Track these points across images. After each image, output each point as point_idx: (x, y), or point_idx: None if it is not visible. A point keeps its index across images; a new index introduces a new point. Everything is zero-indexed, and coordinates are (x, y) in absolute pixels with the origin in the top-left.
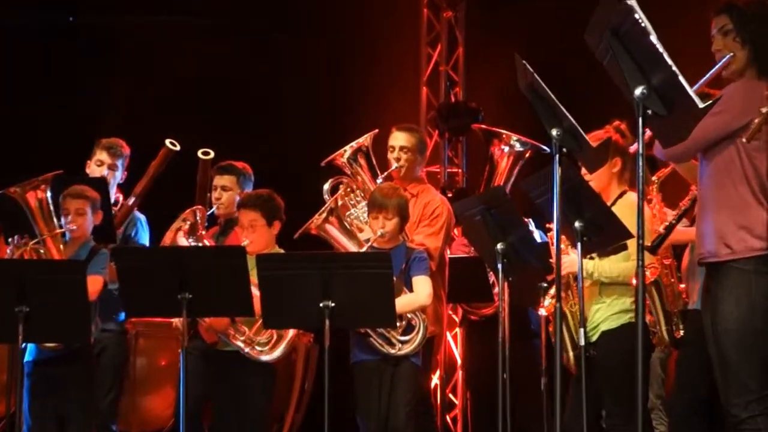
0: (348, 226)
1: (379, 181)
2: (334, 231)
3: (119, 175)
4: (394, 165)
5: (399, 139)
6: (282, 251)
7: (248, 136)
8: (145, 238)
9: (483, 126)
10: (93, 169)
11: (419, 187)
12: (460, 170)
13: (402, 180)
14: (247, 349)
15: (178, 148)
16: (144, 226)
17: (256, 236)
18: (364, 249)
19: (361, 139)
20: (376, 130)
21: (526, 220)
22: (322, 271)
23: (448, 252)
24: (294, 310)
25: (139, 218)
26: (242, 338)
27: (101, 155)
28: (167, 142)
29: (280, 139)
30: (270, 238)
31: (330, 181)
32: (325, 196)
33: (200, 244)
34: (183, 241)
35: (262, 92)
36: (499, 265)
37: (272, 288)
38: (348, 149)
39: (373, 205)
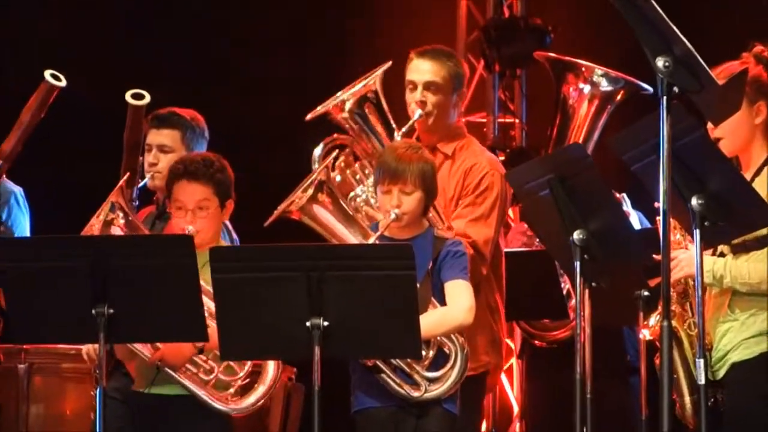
0: (346, 208)
1: (397, 138)
2: (325, 215)
3: None
4: (417, 113)
5: (422, 69)
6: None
7: (210, 79)
8: (23, 223)
9: (551, 54)
10: None
11: (456, 143)
12: (516, 120)
13: (429, 133)
14: (203, 395)
15: (63, 83)
16: (21, 205)
17: (206, 222)
18: (371, 240)
19: (368, 80)
20: (389, 63)
21: (618, 196)
22: (310, 272)
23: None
24: (267, 333)
25: (12, 192)
26: (205, 377)
27: None
28: (47, 74)
29: (255, 80)
30: (220, 227)
31: (322, 144)
32: (315, 167)
33: (122, 222)
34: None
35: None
36: (577, 265)
37: (234, 298)
38: (347, 97)
39: (384, 172)
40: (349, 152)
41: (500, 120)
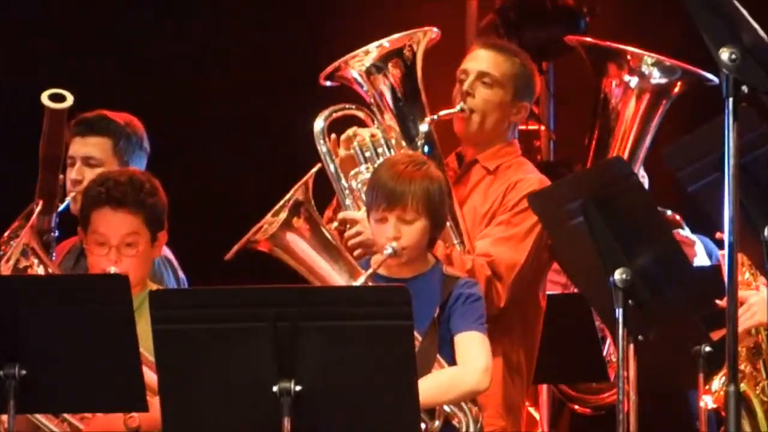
0: (329, 237)
1: (423, 129)
2: (302, 246)
3: None
4: (458, 106)
5: (479, 57)
6: (166, 287)
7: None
8: None
9: (587, 39)
10: None
11: (504, 158)
12: (541, 127)
13: (470, 140)
14: None
15: (67, 102)
16: None
17: (134, 262)
18: (360, 280)
19: (409, 34)
20: (435, 30)
21: (673, 217)
22: (279, 322)
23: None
24: (223, 400)
25: None
26: None
27: None
28: (44, 98)
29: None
30: (150, 267)
31: (324, 114)
32: (320, 146)
33: (42, 272)
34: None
35: None
36: (620, 312)
37: (180, 356)
38: (374, 49)
39: (377, 195)
40: (354, 138)
41: (520, 127)
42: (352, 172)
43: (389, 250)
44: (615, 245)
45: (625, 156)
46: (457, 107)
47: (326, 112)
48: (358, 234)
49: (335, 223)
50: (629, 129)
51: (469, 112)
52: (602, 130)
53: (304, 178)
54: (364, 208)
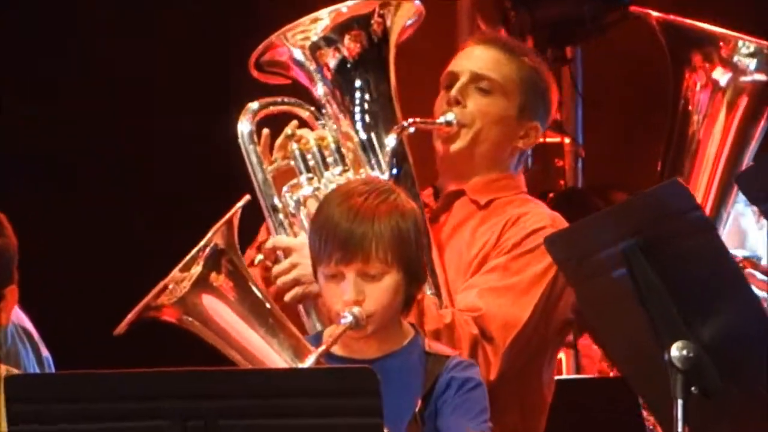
0: (262, 297)
1: (390, 142)
2: (224, 313)
3: None
4: (443, 117)
5: (474, 56)
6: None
7: None
8: None
9: (654, 13)
10: None
11: (502, 192)
12: (563, 139)
13: (457, 165)
14: None
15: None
16: None
17: None
18: (308, 361)
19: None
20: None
21: (750, 264)
22: (189, 420)
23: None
24: None
25: None
26: None
27: None
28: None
29: None
30: None
31: (253, 107)
32: (246, 153)
33: None
34: None
35: None
36: (679, 404)
37: None
38: (324, 15)
39: (328, 239)
40: (293, 135)
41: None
42: (288, 185)
43: (348, 319)
44: (672, 308)
45: (713, 185)
46: (441, 119)
47: (253, 106)
48: (293, 267)
49: (260, 256)
50: (722, 146)
51: (457, 127)
52: (678, 147)
53: (227, 216)
54: (302, 234)
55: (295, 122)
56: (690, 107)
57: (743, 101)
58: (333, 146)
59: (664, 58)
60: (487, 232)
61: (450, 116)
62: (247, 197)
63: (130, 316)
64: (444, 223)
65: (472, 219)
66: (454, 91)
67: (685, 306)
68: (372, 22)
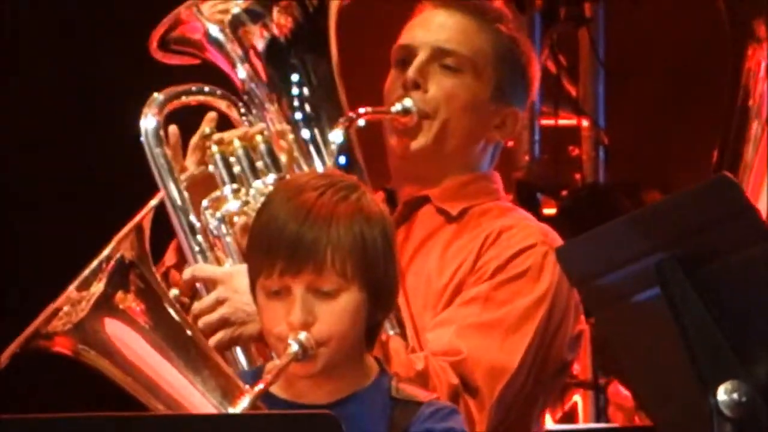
0: (179, 321)
1: (334, 139)
2: (134, 342)
3: None
4: (397, 105)
5: (434, 24)
6: None
7: None
8: None
9: None
10: None
11: (476, 198)
12: (580, 120)
13: (417, 164)
14: None
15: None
16: None
17: None
18: (241, 404)
19: None
20: None
21: None
22: None
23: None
24: None
25: None
26: None
27: None
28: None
29: None
30: None
31: (157, 99)
32: (152, 156)
33: None
34: None
35: None
36: None
37: None
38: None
39: (270, 245)
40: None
41: (545, 121)
42: (208, 199)
43: (293, 348)
44: (719, 339)
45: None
46: (397, 106)
47: (160, 98)
48: (218, 304)
49: (174, 291)
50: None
51: (417, 117)
52: (737, 139)
53: (135, 220)
54: (229, 261)
55: (212, 115)
56: (749, 94)
57: None
58: (263, 147)
59: (714, 17)
60: (461, 251)
61: (408, 103)
62: (159, 197)
63: (12, 347)
64: (405, 239)
65: (440, 234)
66: (411, 71)
67: (735, 336)
68: None
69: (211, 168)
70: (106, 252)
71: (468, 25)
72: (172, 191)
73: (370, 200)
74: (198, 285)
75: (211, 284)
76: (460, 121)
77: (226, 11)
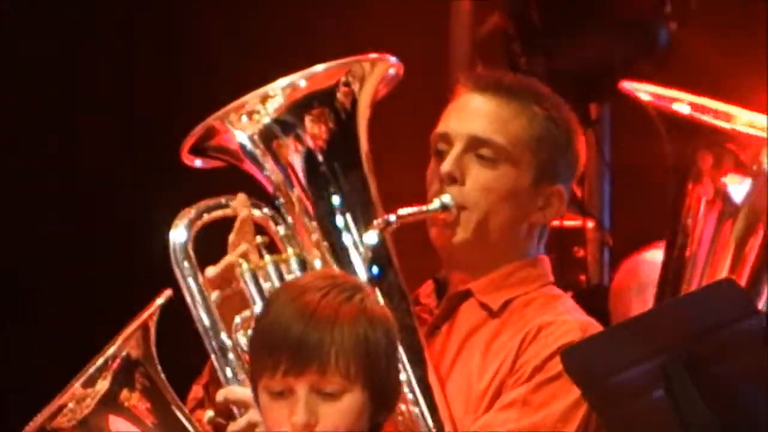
0: (183, 420)
1: (369, 241)
2: None
3: None
4: (436, 202)
5: (472, 114)
6: None
7: None
8: None
9: (643, 91)
10: None
11: (520, 288)
12: (585, 222)
13: (459, 257)
14: None
15: None
16: None
17: None
18: None
19: (336, 66)
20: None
21: None
22: None
23: None
24: None
25: None
26: None
27: None
28: None
29: None
30: None
31: (188, 216)
32: (182, 274)
33: None
34: None
35: None
36: None
37: None
38: (272, 96)
39: (273, 346)
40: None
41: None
42: (239, 319)
43: None
44: None
45: None
46: (435, 203)
47: (191, 213)
48: (251, 427)
49: (210, 413)
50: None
51: (456, 211)
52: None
53: (141, 317)
54: None
55: (234, 242)
56: (693, 224)
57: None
58: (295, 262)
59: None
60: (502, 349)
61: (446, 199)
62: (169, 293)
63: None
64: (448, 336)
65: (482, 331)
66: (447, 165)
67: None
68: (337, 94)
69: (242, 286)
70: (111, 350)
71: (503, 110)
72: (201, 311)
73: (374, 301)
74: (232, 406)
75: (243, 407)
76: (499, 213)
77: (256, 119)
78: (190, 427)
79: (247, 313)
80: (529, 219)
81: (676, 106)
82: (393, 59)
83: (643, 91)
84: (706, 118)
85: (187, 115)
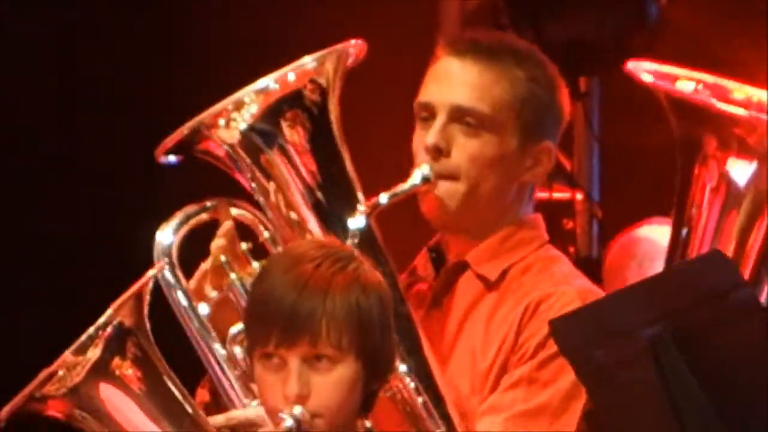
0: (177, 394)
1: (354, 225)
2: (127, 408)
3: None
4: (417, 173)
5: (453, 82)
6: None
7: None
8: None
9: (647, 65)
10: None
11: (515, 253)
12: (574, 194)
13: (450, 225)
14: None
15: None
16: None
17: None
18: None
19: (303, 66)
20: (349, 45)
21: None
22: None
23: None
24: None
25: None
26: None
27: None
28: None
29: None
30: None
31: (175, 220)
32: (169, 283)
33: None
34: None
35: None
36: None
37: None
38: (248, 97)
39: (265, 317)
40: (228, 231)
41: (539, 194)
42: (234, 329)
43: (288, 423)
44: (712, 418)
45: None
46: (416, 176)
47: (178, 217)
48: None
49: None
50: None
51: (439, 183)
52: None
53: (135, 287)
54: (256, 402)
55: (220, 242)
56: (701, 204)
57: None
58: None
59: None
60: (503, 323)
61: (425, 170)
62: (163, 264)
63: (5, 411)
64: (448, 312)
65: (482, 304)
66: (431, 137)
67: (730, 415)
68: (305, 93)
69: (233, 291)
70: (103, 318)
71: (484, 76)
72: (193, 322)
73: (368, 270)
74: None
75: (249, 426)
76: (489, 179)
77: (232, 128)
78: (180, 397)
79: (239, 326)
80: (519, 180)
81: (680, 86)
82: (355, 41)
83: (645, 70)
84: (713, 101)
85: (187, 116)
